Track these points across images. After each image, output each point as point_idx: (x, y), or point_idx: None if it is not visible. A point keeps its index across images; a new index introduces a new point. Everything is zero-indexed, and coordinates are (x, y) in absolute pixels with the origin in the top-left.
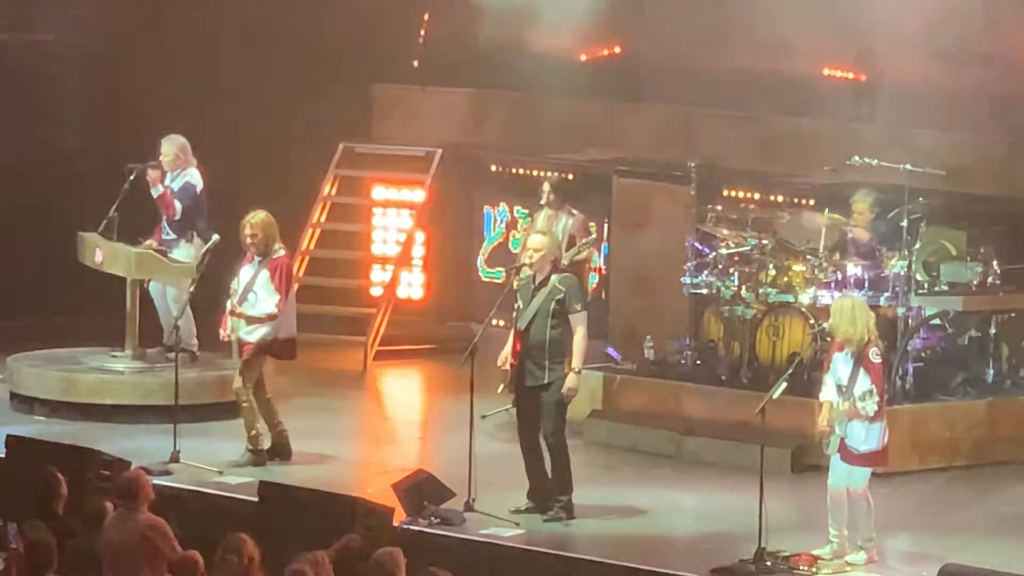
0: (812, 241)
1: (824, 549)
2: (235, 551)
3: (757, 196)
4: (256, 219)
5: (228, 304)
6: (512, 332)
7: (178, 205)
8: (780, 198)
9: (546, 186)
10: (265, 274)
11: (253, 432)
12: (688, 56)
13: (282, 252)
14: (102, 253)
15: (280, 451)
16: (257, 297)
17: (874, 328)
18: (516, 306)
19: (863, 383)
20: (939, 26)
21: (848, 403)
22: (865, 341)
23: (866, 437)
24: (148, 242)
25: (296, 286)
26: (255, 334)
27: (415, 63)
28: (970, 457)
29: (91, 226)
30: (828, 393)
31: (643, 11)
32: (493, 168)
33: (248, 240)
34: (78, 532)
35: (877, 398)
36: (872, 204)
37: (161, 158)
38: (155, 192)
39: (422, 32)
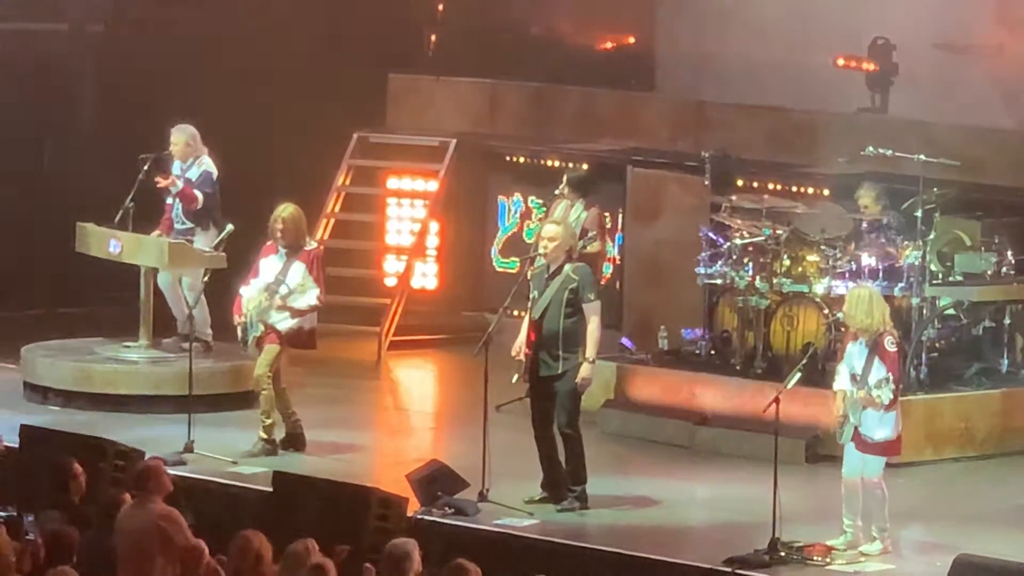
0: (827, 231)
1: (838, 539)
2: (242, 549)
3: (771, 186)
4: (287, 213)
5: (242, 289)
6: (526, 322)
7: (200, 196)
8: (794, 188)
9: (565, 178)
10: (300, 267)
11: (269, 421)
12: (702, 46)
13: (314, 245)
14: (121, 244)
15: (294, 441)
16: (294, 289)
17: (889, 319)
18: (532, 295)
19: (878, 371)
20: (951, 15)
21: (863, 391)
22: (880, 332)
23: (880, 426)
24: (155, 232)
25: None
26: (285, 323)
27: (429, 51)
28: (984, 447)
29: (95, 216)
30: (842, 382)
31: (657, 1)
32: (507, 158)
33: (279, 234)
34: (93, 522)
35: (892, 386)
36: (877, 196)
37: (171, 148)
38: (174, 189)
39: (437, 20)
